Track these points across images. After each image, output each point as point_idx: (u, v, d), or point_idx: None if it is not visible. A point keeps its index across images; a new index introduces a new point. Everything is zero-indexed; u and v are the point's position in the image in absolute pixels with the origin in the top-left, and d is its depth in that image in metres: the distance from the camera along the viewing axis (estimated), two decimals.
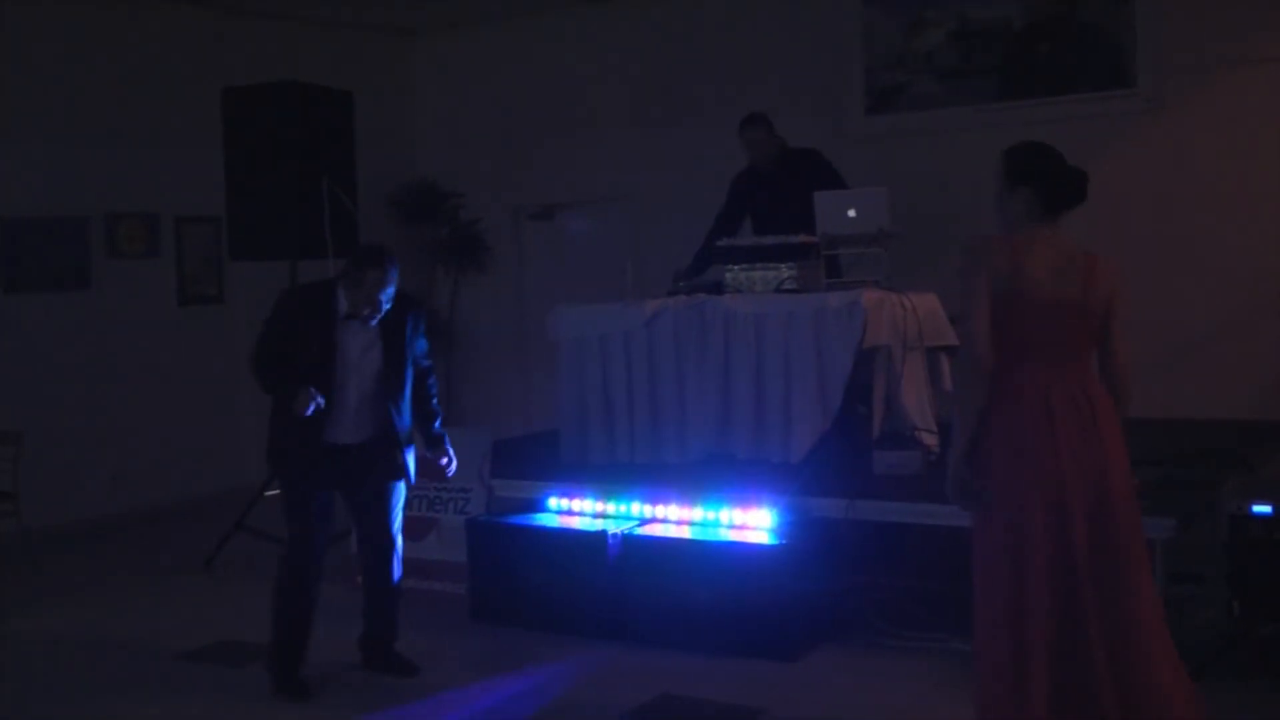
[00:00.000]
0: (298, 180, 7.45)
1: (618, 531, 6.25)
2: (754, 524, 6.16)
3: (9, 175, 8.98)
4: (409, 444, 5.69)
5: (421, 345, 5.77)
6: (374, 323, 5.47)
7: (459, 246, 11.19)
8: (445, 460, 5.94)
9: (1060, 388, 3.97)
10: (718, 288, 6.95)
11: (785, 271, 6.78)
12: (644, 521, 6.46)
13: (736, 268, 6.94)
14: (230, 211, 7.79)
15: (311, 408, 5.28)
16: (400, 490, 5.79)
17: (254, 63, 9.32)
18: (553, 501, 6.82)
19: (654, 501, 6.50)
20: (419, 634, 6.40)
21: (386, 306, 5.45)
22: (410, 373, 5.67)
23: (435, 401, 5.93)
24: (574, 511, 6.73)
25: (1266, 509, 5.25)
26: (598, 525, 6.43)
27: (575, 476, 6.91)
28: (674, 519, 6.42)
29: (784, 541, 5.96)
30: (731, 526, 6.23)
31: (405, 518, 5.85)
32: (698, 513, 6.36)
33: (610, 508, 6.61)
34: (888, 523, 6.07)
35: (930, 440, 6.44)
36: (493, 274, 11.28)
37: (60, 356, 9.15)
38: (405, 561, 7.02)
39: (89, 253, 9.43)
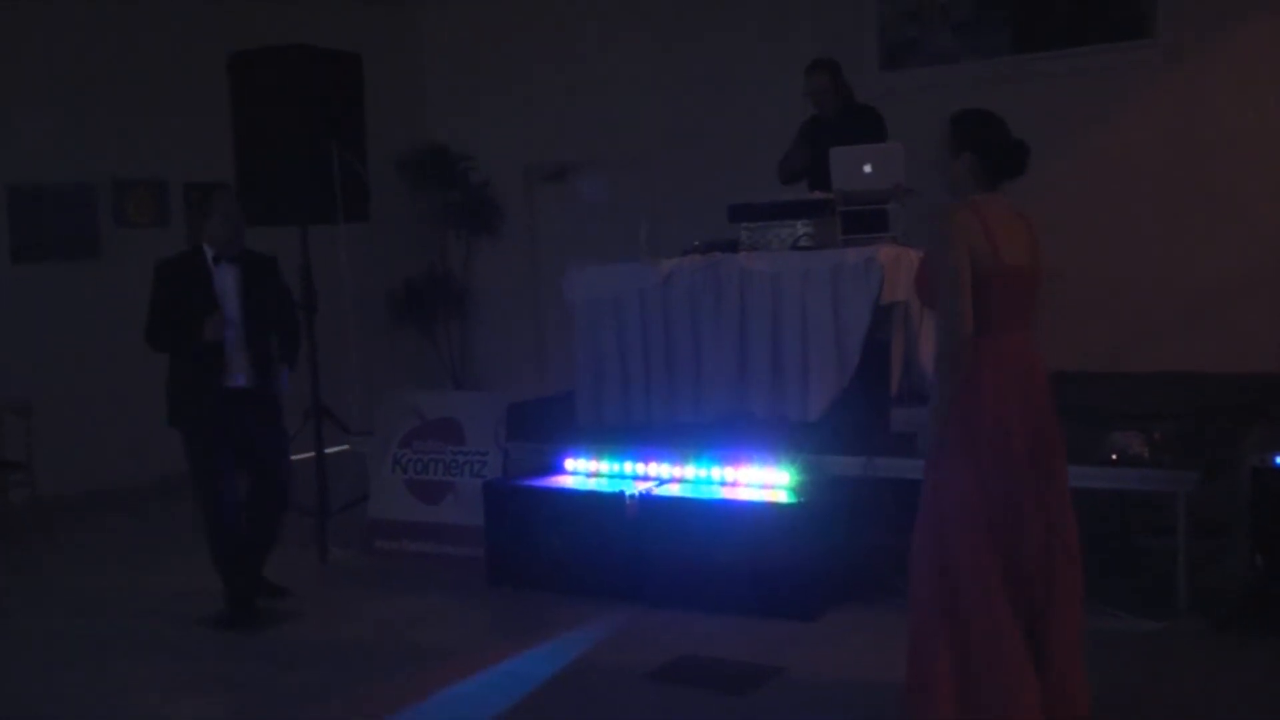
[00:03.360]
0: (307, 145, 7.42)
1: (635, 493, 6.28)
2: (772, 483, 6.19)
3: (16, 143, 8.98)
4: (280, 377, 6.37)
5: (279, 289, 6.47)
6: (237, 265, 6.17)
7: (471, 210, 11.19)
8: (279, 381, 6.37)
9: (1026, 355, 4.09)
10: (733, 246, 6.94)
11: (801, 229, 6.78)
12: (661, 482, 6.49)
13: (752, 225, 6.93)
14: (240, 177, 7.79)
15: (222, 330, 6.01)
16: (281, 418, 6.38)
17: (262, 26, 9.28)
18: (569, 464, 6.86)
19: (671, 462, 6.54)
20: (436, 598, 6.49)
21: (242, 241, 6.20)
22: (275, 315, 6.37)
23: (289, 347, 6.47)
24: (591, 473, 6.77)
25: None
26: (615, 487, 6.46)
27: (591, 438, 6.95)
28: (691, 479, 6.44)
29: (802, 500, 5.99)
30: (749, 486, 6.26)
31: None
32: (715, 473, 6.38)
33: (627, 469, 6.66)
34: (907, 480, 5.99)
35: None
36: (505, 237, 11.29)
37: (69, 327, 9.17)
38: (421, 526, 7.17)
39: (97, 221, 9.44)
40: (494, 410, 7.33)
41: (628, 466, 6.67)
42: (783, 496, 6.08)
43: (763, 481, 6.24)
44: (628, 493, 6.28)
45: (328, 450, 7.56)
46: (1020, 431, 4.02)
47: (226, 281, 6.21)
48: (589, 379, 7.20)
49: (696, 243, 7.13)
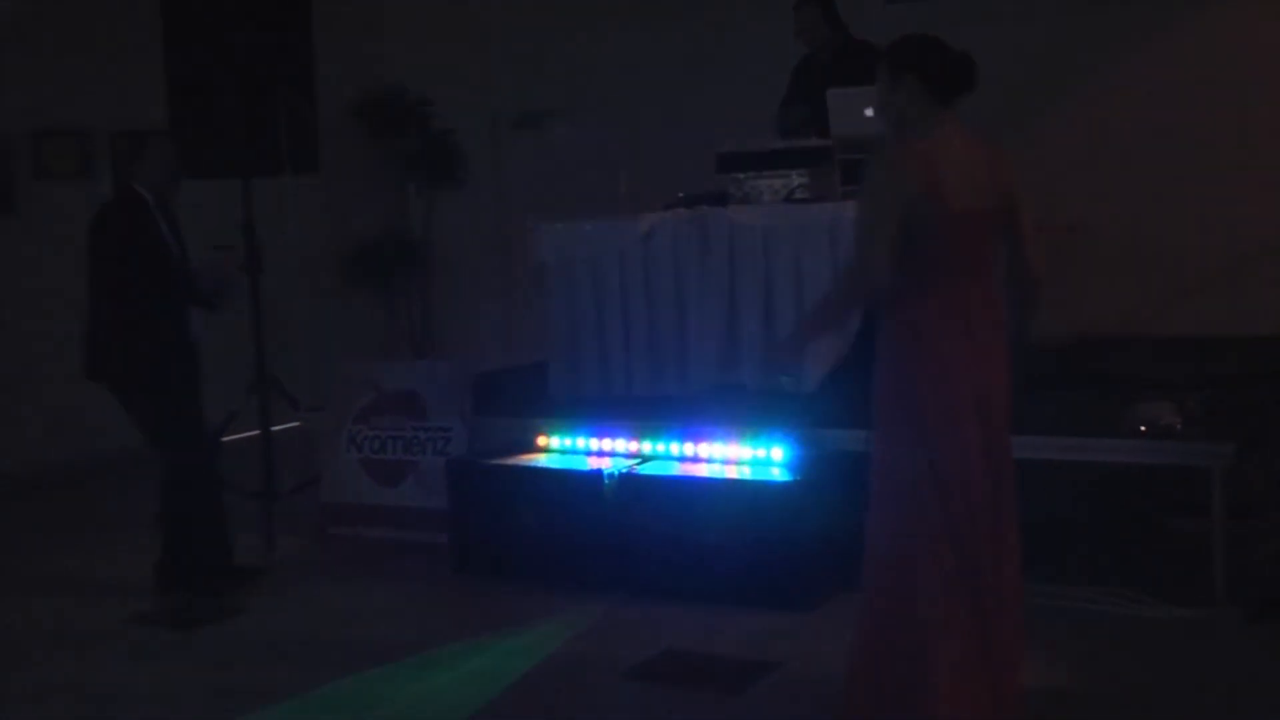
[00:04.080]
0: (249, 89, 7.43)
1: (615, 471, 6.29)
2: (766, 460, 6.22)
3: None
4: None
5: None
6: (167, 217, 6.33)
7: (432, 160, 11.14)
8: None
9: (979, 307, 4.06)
10: (722, 199, 6.94)
11: (796, 179, 6.79)
12: (644, 460, 6.51)
13: (742, 176, 6.92)
14: (173, 125, 7.76)
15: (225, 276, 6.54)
16: None
17: None
18: (542, 440, 6.87)
19: (655, 438, 6.56)
20: (396, 589, 6.53)
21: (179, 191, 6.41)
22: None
23: None
24: (566, 450, 6.79)
25: None
26: (593, 465, 6.49)
27: (567, 412, 6.98)
28: (677, 456, 6.47)
29: (799, 479, 6.01)
30: (741, 463, 6.29)
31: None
32: (703, 449, 6.40)
33: (606, 445, 6.67)
34: None
35: None
36: (470, 190, 11.22)
37: None
38: (379, 510, 7.25)
39: (12, 174, 9.38)
40: (459, 382, 7.37)
41: (607, 443, 6.68)
42: (778, 474, 6.10)
43: (755, 458, 6.26)
44: (607, 471, 6.30)
45: (275, 427, 7.56)
46: (969, 384, 4.03)
47: (168, 228, 6.37)
48: (564, 347, 7.22)
49: (681, 195, 7.12)
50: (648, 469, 6.40)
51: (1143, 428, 5.74)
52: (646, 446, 6.58)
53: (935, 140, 4.03)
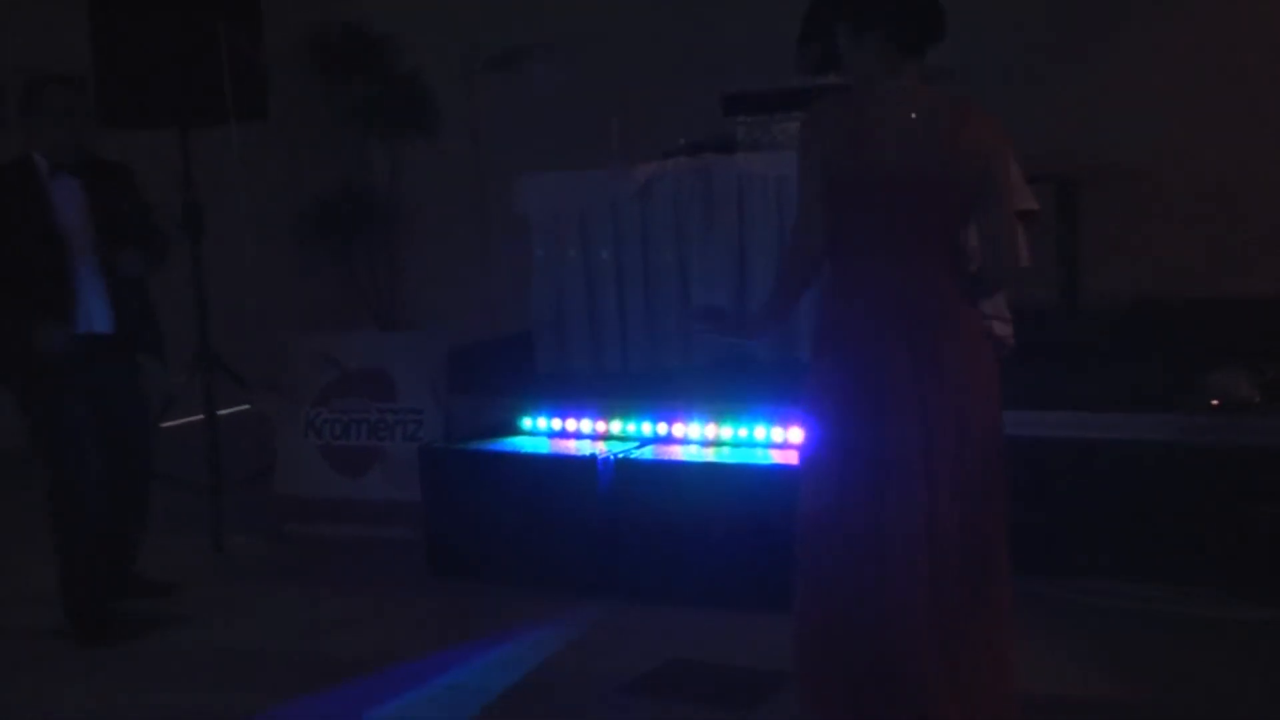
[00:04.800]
0: (187, 26, 7.38)
1: (609, 456, 6.28)
2: (780, 442, 6.21)
3: None
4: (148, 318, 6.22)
5: (137, 207, 6.22)
6: (80, 178, 5.98)
7: (397, 105, 11.09)
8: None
9: (902, 292, 3.98)
10: (729, 145, 6.92)
11: None
12: (643, 443, 6.50)
13: (750, 119, 6.91)
14: (100, 68, 7.70)
15: (60, 341, 5.80)
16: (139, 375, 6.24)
17: None
18: (527, 422, 6.88)
19: (654, 418, 6.55)
20: (362, 594, 6.51)
21: (84, 146, 6.05)
22: (135, 239, 6.10)
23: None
24: (555, 433, 6.80)
25: None
26: (584, 450, 6.47)
27: (555, 390, 7.00)
28: (681, 439, 6.47)
29: None
30: (752, 446, 6.28)
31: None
32: (710, 430, 6.40)
33: (600, 427, 6.68)
34: None
35: (1004, 331, 6.42)
36: (442, 140, 11.16)
37: None
38: (342, 504, 7.24)
39: None
40: (431, 357, 7.37)
41: (601, 425, 6.68)
42: (793, 459, 6.04)
43: (769, 440, 6.25)
44: (601, 457, 6.28)
45: (221, 411, 7.54)
46: (869, 376, 4.01)
47: (67, 198, 6.00)
48: (550, 316, 7.24)
49: (682, 141, 7.16)
50: (647, 454, 6.38)
51: (1215, 401, 5.72)
52: (646, 428, 6.57)
53: (875, 94, 4.01)
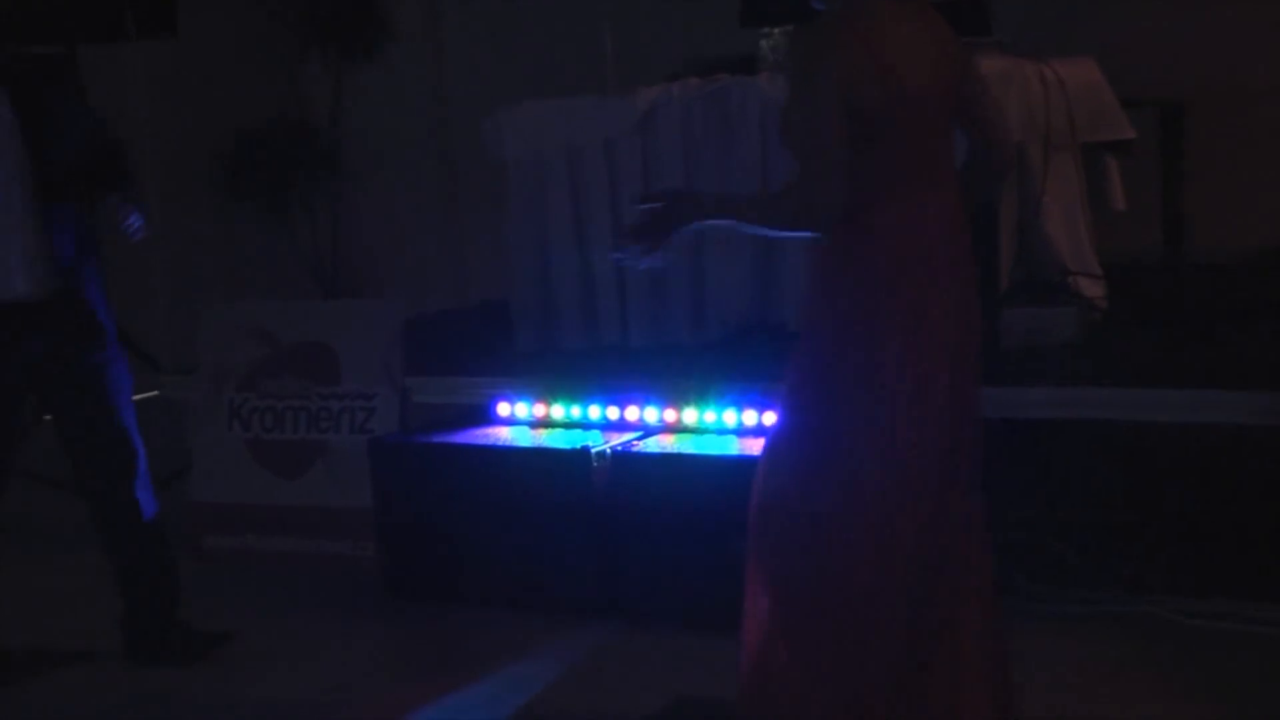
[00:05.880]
0: None
1: (605, 449, 6.30)
2: None
3: None
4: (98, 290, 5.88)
5: (81, 116, 6.00)
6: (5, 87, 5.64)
7: (341, 19, 11.04)
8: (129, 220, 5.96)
9: (955, 220, 4.14)
10: (749, 64, 6.92)
11: None
12: (646, 432, 6.54)
13: (775, 31, 6.89)
14: None
15: None
16: (119, 368, 5.97)
17: None
18: (503, 408, 6.91)
19: (659, 403, 6.56)
20: (310, 620, 6.53)
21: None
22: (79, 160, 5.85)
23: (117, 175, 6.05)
24: (538, 422, 6.85)
25: None
26: (575, 441, 6.49)
27: (538, 368, 7.05)
28: (690, 428, 6.51)
29: None
30: None
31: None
32: (728, 416, 6.43)
33: (594, 414, 6.71)
34: (1022, 419, 6.07)
35: (1093, 290, 6.43)
36: (396, 61, 11.14)
37: None
38: (276, 511, 7.22)
39: None
40: (384, 330, 7.38)
41: (594, 411, 6.71)
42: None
43: None
44: (595, 449, 6.30)
45: None
46: (943, 331, 4.12)
47: None
48: (532, 281, 7.25)
49: (691, 59, 7.08)
50: (651, 446, 6.44)
51: None
52: (650, 415, 6.59)
53: (879, 9, 4.07)
